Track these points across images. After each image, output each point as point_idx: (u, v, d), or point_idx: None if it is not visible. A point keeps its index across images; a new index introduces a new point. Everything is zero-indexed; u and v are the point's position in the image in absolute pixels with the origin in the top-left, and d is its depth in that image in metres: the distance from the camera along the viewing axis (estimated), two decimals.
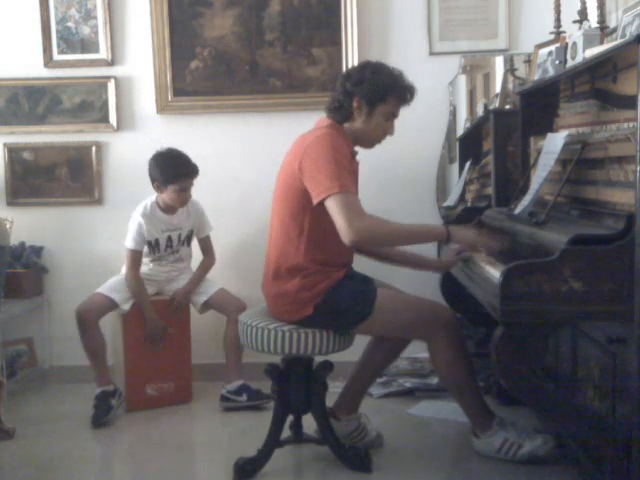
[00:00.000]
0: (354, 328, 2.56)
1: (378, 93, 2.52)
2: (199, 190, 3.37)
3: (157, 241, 3.39)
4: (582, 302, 1.84)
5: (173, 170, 3.25)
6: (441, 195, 3.70)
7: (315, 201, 2.42)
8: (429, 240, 2.62)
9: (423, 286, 3.18)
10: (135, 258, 3.32)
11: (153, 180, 3.30)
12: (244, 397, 3.31)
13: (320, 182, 2.40)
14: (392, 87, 2.54)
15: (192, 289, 3.44)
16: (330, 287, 2.51)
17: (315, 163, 2.43)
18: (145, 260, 3.43)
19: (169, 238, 3.41)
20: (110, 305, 3.30)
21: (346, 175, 2.42)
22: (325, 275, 2.52)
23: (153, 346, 3.34)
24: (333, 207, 2.38)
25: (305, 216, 2.50)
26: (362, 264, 2.76)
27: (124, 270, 3.38)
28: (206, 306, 3.46)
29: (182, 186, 3.28)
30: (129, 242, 3.32)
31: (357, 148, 2.65)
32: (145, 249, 3.39)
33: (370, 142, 2.64)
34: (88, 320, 3.23)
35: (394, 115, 2.60)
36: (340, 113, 2.58)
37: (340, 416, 2.71)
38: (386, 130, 2.60)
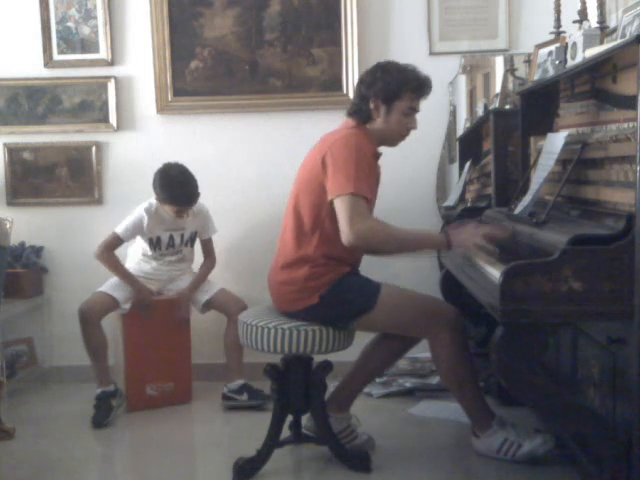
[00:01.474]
0: (356, 321, 2.57)
1: (391, 90, 2.56)
2: (199, 190, 3.37)
3: (159, 239, 3.39)
4: (582, 302, 1.84)
5: (172, 197, 3.27)
6: (441, 195, 3.70)
7: (329, 198, 2.47)
8: (430, 248, 2.63)
9: (423, 285, 3.17)
10: (114, 243, 3.32)
11: (155, 192, 3.31)
12: (245, 396, 3.32)
13: (337, 181, 2.45)
14: (404, 82, 2.57)
15: (193, 289, 3.44)
16: (336, 279, 2.55)
17: (337, 162, 2.47)
18: (147, 258, 3.44)
19: (171, 237, 3.42)
20: (112, 304, 3.30)
21: (363, 178, 2.46)
22: (332, 268, 2.56)
23: (145, 313, 3.33)
24: (339, 207, 2.44)
25: (322, 210, 2.53)
26: (362, 263, 2.76)
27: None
28: (207, 306, 3.46)
29: (179, 210, 3.31)
30: (119, 227, 3.33)
31: (382, 148, 2.67)
32: (146, 246, 3.40)
33: (394, 140, 2.67)
34: (91, 319, 3.24)
35: (414, 109, 2.62)
36: (359, 116, 2.61)
37: (330, 412, 2.69)
38: (408, 125, 2.63)
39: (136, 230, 3.34)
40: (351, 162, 2.45)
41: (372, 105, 2.58)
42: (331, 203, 2.47)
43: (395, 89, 2.56)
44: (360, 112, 2.61)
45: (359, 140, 2.53)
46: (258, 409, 3.28)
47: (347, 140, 2.51)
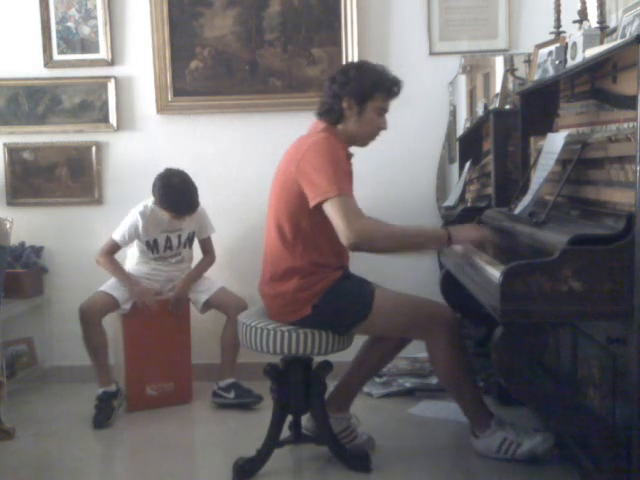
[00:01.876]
0: (352, 328, 2.57)
1: (365, 90, 2.56)
2: (199, 190, 3.37)
3: (155, 241, 3.39)
4: (582, 302, 1.83)
5: (171, 206, 3.27)
6: (441, 195, 3.70)
7: (312, 204, 2.44)
8: (430, 243, 2.64)
9: (423, 286, 3.18)
10: (113, 249, 3.34)
11: (154, 196, 3.31)
12: (232, 394, 3.33)
13: (318, 185, 2.42)
14: (378, 82, 2.57)
15: (189, 283, 3.44)
16: (328, 287, 2.53)
17: (313, 166, 2.45)
18: (146, 260, 3.43)
19: (168, 239, 3.41)
20: (113, 304, 3.30)
21: (344, 178, 2.45)
22: (322, 276, 2.54)
23: (148, 312, 3.34)
24: (331, 210, 2.40)
25: (302, 218, 2.51)
26: (361, 265, 2.76)
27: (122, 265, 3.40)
28: (207, 305, 3.46)
29: (176, 217, 3.31)
30: (116, 233, 3.34)
31: (353, 149, 2.66)
32: (144, 248, 3.40)
33: (365, 140, 2.66)
34: (92, 318, 3.24)
35: (384, 110, 2.62)
36: (331, 115, 2.60)
37: (330, 412, 2.68)
38: (379, 126, 2.62)
39: (132, 235, 3.34)
40: (328, 165, 2.43)
41: (345, 104, 2.57)
42: (315, 208, 2.44)
43: (368, 89, 2.56)
44: (332, 112, 2.59)
45: (332, 143, 2.51)
46: (246, 408, 3.30)
47: (320, 145, 2.49)
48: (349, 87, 2.55)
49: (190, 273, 3.48)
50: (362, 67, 2.62)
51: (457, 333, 2.59)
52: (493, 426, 2.61)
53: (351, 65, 2.67)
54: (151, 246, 3.40)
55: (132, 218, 3.34)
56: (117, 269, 3.35)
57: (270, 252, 2.62)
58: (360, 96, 2.56)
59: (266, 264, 2.65)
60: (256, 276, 2.77)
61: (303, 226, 2.52)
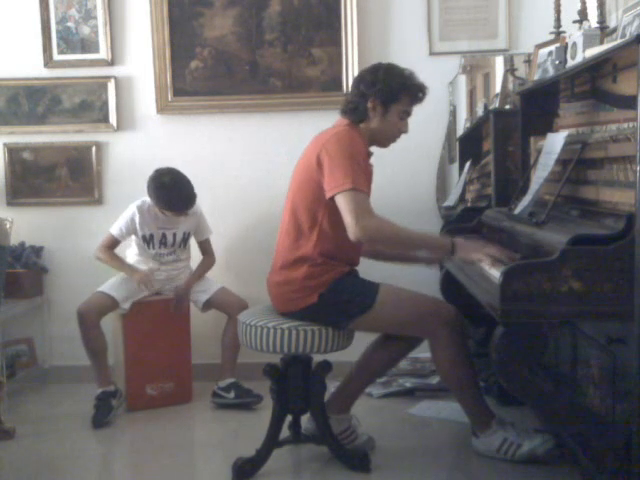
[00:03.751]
0: (355, 320, 2.57)
1: (391, 93, 2.58)
2: (199, 190, 3.37)
3: (151, 236, 3.40)
4: (582, 302, 1.84)
5: (169, 204, 3.28)
6: (441, 195, 3.70)
7: (328, 195, 2.48)
8: (432, 250, 2.66)
9: (423, 286, 3.17)
10: (111, 243, 3.37)
11: (151, 199, 3.32)
12: (232, 394, 3.33)
13: (334, 178, 2.46)
14: (404, 87, 2.60)
15: (192, 284, 3.45)
16: (335, 279, 2.56)
17: (332, 159, 2.48)
18: (145, 259, 3.43)
19: (163, 235, 3.42)
20: (111, 304, 3.30)
21: (360, 173, 2.48)
22: (331, 267, 2.57)
23: (147, 290, 3.36)
24: (342, 203, 2.43)
25: (319, 209, 2.54)
26: (363, 263, 2.76)
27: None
28: (208, 305, 3.46)
29: (177, 214, 3.33)
30: (114, 228, 3.37)
31: (372, 148, 2.67)
32: (141, 243, 3.41)
33: (386, 141, 2.69)
34: (89, 320, 3.24)
35: (407, 113, 2.65)
36: (355, 114, 2.62)
37: (330, 414, 2.68)
38: (401, 128, 2.65)
39: (129, 229, 3.36)
40: (347, 158, 2.46)
41: (370, 104, 2.59)
42: (331, 200, 2.47)
43: (395, 92, 2.58)
44: (356, 110, 2.62)
45: (352, 136, 2.54)
46: (246, 408, 3.30)
47: (341, 137, 2.53)
48: (376, 88, 2.58)
49: (192, 274, 3.48)
50: (391, 69, 2.64)
51: (460, 332, 2.60)
52: (494, 426, 2.61)
53: (380, 66, 2.66)
54: (147, 240, 3.40)
55: (129, 212, 3.37)
56: (114, 258, 3.38)
57: (284, 240, 2.64)
58: (386, 98, 2.58)
59: (278, 253, 2.67)
60: (255, 275, 2.78)
61: (320, 216, 2.54)
